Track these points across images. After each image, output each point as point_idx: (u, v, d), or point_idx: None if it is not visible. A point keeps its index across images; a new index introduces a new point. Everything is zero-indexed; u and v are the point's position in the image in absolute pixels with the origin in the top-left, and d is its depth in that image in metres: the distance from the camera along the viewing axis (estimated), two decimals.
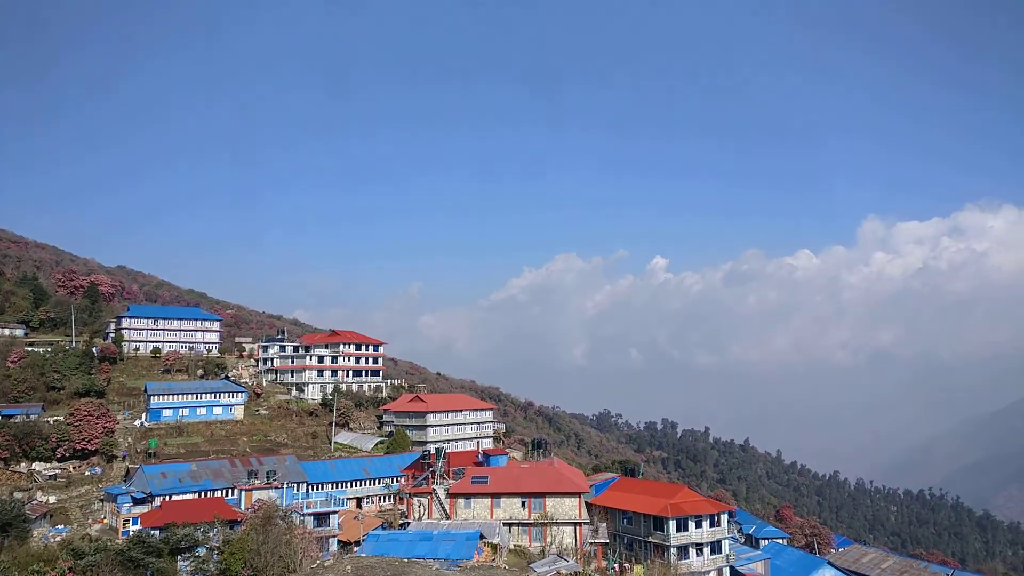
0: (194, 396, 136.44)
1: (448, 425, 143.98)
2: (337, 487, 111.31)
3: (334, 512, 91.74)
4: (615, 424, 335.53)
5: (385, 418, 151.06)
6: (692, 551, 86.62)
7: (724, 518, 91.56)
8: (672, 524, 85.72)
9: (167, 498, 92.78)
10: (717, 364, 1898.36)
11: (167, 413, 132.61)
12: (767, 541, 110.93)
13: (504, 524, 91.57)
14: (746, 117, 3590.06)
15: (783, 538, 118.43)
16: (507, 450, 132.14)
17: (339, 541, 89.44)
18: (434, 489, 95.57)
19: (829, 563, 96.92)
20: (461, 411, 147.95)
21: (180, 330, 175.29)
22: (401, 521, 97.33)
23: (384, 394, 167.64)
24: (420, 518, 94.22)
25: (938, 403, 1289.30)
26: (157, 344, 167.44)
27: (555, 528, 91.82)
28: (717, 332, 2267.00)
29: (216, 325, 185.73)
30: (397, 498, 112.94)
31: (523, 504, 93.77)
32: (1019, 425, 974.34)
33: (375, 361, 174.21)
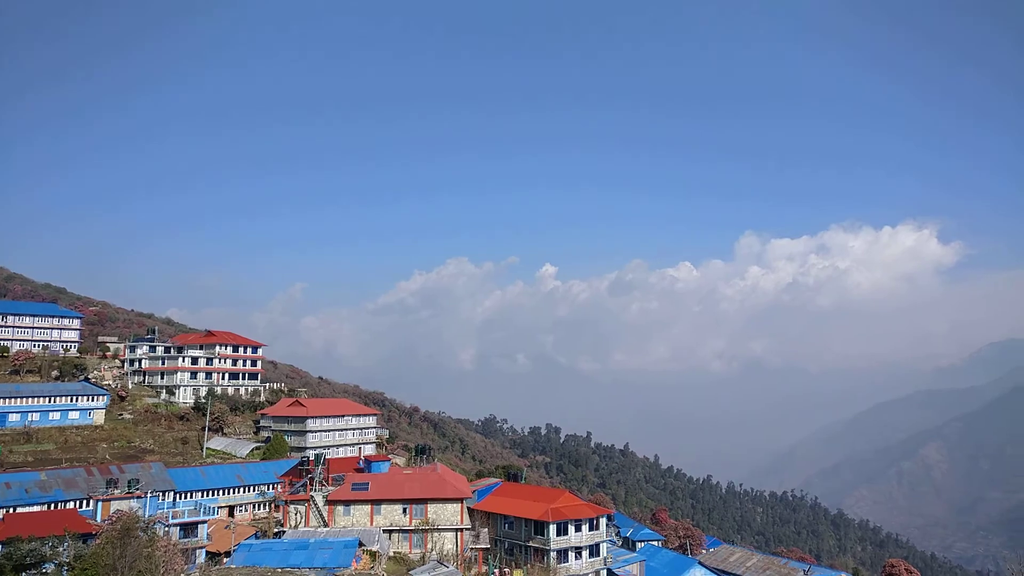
0: (46, 399, 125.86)
1: (329, 431, 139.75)
2: (208, 495, 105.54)
3: (203, 522, 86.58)
4: (500, 429, 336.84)
5: (263, 423, 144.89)
6: (571, 554, 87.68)
7: (603, 522, 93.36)
8: (552, 528, 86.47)
9: (11, 510, 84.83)
10: (600, 370, 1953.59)
11: (13, 418, 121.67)
12: (643, 543, 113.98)
13: (384, 531, 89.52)
14: (634, 133, 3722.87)
15: (658, 540, 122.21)
16: (390, 456, 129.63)
17: (207, 552, 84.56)
18: (312, 496, 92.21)
19: (700, 563, 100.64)
20: (343, 416, 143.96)
21: (32, 327, 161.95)
22: (276, 529, 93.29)
23: (262, 398, 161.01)
24: (296, 526, 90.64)
25: (802, 410, 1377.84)
26: (4, 342, 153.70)
27: (436, 534, 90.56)
28: (601, 339, 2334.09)
29: (76, 323, 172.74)
30: (273, 506, 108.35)
31: (404, 510, 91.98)
32: (870, 431, 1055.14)
33: (253, 364, 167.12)
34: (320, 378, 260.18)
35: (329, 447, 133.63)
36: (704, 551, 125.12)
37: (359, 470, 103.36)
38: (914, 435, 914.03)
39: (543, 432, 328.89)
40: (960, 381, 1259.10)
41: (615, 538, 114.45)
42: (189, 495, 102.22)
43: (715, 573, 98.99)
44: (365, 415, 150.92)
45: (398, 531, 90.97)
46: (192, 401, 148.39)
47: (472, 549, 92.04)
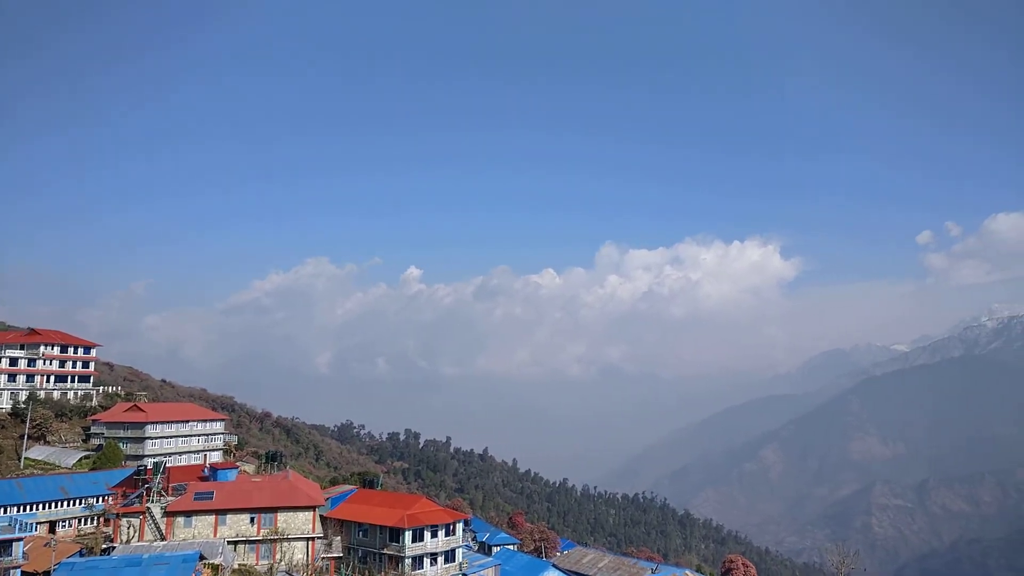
0: None
1: (171, 437, 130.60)
2: (25, 510, 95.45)
3: (18, 539, 78.09)
4: (358, 435, 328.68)
5: (94, 430, 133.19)
6: (427, 561, 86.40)
7: (459, 527, 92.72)
8: (408, 535, 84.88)
9: None
10: (463, 375, 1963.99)
11: None
12: (499, 547, 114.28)
13: (229, 542, 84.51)
14: (502, 150, 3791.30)
15: (514, 544, 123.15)
16: (238, 463, 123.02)
17: (24, 572, 76.36)
18: (148, 507, 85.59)
19: (554, 565, 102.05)
20: (187, 422, 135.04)
21: None
22: (105, 545, 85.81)
23: (95, 402, 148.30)
24: (129, 541, 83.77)
25: (655, 414, 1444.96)
26: None
27: (286, 544, 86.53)
28: (465, 344, 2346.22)
29: None
30: (102, 520, 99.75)
31: (252, 520, 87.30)
32: (716, 435, 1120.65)
33: (85, 365, 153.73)
34: (163, 381, 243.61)
35: (170, 455, 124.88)
36: (559, 553, 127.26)
37: (204, 478, 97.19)
38: (755, 438, 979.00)
39: (402, 438, 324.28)
40: (795, 387, 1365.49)
41: (471, 543, 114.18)
42: (3, 510, 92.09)
43: (568, 575, 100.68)
44: (212, 420, 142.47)
45: (244, 542, 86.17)
46: (9, 406, 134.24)
47: (324, 558, 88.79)
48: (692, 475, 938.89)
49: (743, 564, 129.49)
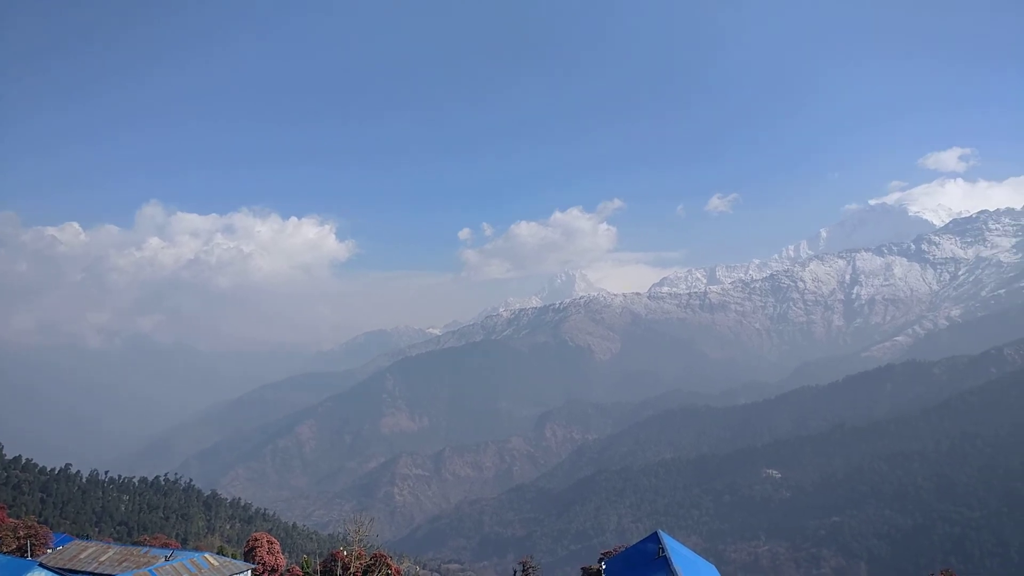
0: None
1: None
2: None
3: None
4: None
5: None
6: None
7: None
8: None
9: None
10: None
11: None
12: None
13: None
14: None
15: None
16: None
17: None
18: None
19: (41, 565, 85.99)
20: None
21: None
22: None
23: None
24: None
25: (188, 390, 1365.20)
26: None
27: None
28: None
29: None
30: None
31: None
32: (251, 412, 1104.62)
33: None
34: None
35: None
36: (50, 550, 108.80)
37: None
38: (292, 414, 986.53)
39: None
40: (337, 365, 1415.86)
41: None
42: None
43: (60, 573, 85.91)
44: None
45: None
46: None
47: None
48: (223, 453, 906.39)
49: (268, 540, 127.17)
